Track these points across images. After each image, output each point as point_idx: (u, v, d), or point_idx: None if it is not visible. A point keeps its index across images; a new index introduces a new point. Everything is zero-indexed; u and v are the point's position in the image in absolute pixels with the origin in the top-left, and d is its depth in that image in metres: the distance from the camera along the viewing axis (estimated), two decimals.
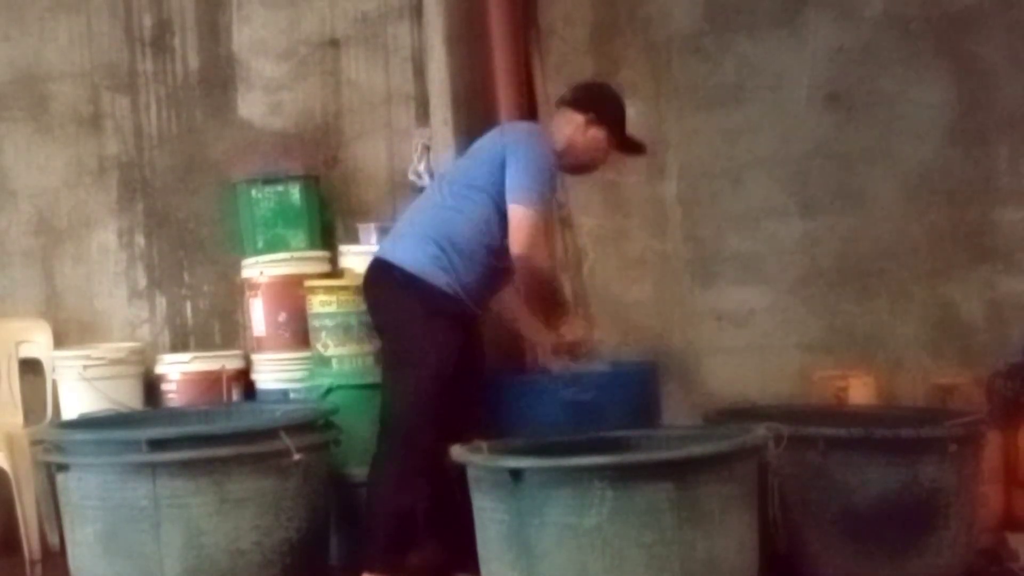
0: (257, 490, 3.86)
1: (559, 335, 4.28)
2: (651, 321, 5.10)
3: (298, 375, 4.80)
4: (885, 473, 3.80)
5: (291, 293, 4.87)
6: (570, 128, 4.18)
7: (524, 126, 4.32)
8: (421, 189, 4.70)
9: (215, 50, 5.41)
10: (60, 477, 3.96)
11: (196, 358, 5.09)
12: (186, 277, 5.44)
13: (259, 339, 5.04)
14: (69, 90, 5.48)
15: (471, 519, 3.53)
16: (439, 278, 3.98)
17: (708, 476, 3.32)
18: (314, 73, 5.33)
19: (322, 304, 4.60)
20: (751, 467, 3.49)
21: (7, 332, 5.34)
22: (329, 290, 4.62)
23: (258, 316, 5.01)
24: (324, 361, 4.61)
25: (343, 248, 5.03)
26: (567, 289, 4.70)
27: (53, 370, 5.19)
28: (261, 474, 3.87)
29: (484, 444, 3.53)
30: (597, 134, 4.19)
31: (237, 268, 5.17)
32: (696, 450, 3.41)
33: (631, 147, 4.31)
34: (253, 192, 5.10)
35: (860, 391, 4.60)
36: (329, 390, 4.49)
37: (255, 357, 5.03)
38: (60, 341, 5.32)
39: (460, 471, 3.54)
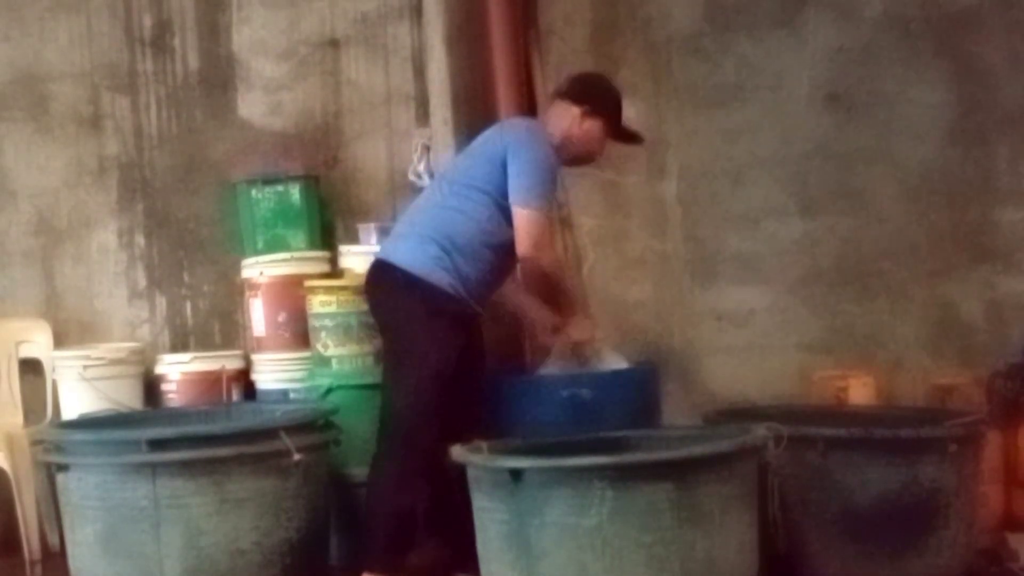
0: (257, 490, 3.86)
1: (566, 335, 4.28)
2: (651, 321, 5.10)
3: (298, 375, 4.80)
4: (885, 473, 3.80)
5: (291, 293, 4.87)
6: (566, 120, 4.18)
7: (523, 124, 4.32)
8: (421, 189, 4.70)
9: (215, 50, 5.41)
10: (60, 477, 3.96)
11: (196, 358, 5.09)
12: (186, 277, 5.44)
13: (259, 339, 5.04)
14: (69, 90, 5.47)
15: (471, 519, 3.53)
16: (441, 278, 3.98)
17: (708, 476, 3.32)
18: (314, 73, 5.33)
19: (322, 304, 4.61)
20: (751, 467, 3.49)
21: (7, 332, 5.34)
22: (329, 290, 4.62)
23: (258, 316, 5.01)
24: (324, 361, 4.61)
25: (343, 248, 5.03)
26: (575, 289, 4.69)
27: (53, 370, 5.19)
28: (261, 474, 3.87)
29: (484, 444, 3.53)
30: (593, 125, 4.19)
31: (237, 268, 5.16)
32: (696, 450, 3.41)
33: (628, 137, 4.31)
34: (253, 192, 5.10)
35: (860, 391, 4.60)
36: (329, 390, 4.49)
37: (255, 357, 5.03)
38: (60, 341, 5.32)
39: (460, 471, 3.55)
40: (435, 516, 4.14)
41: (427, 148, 4.92)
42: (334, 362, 4.58)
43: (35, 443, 4.61)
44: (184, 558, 3.79)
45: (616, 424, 3.88)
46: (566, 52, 5.11)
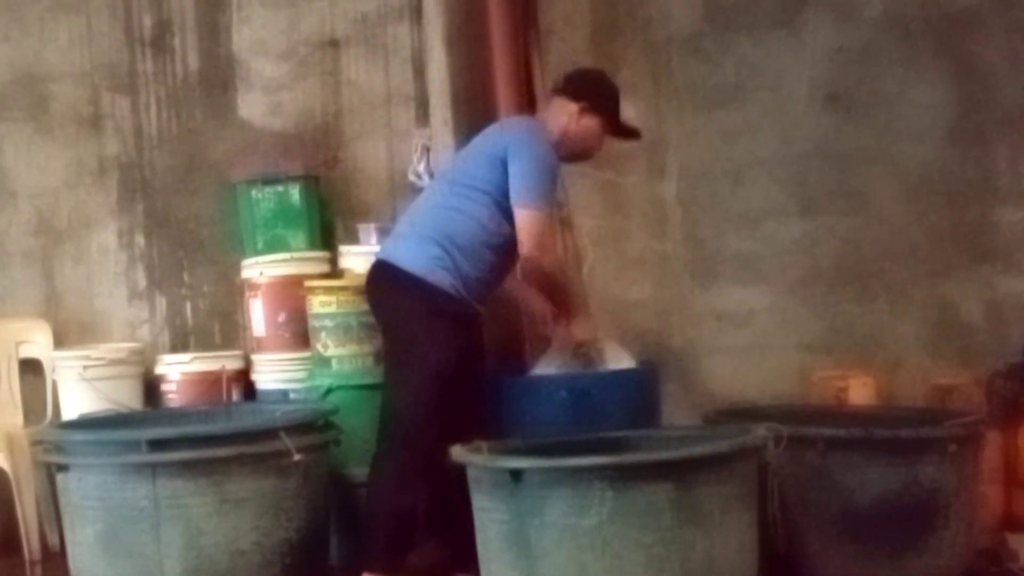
0: (257, 490, 3.86)
1: (569, 334, 4.28)
2: (651, 321, 5.10)
3: (298, 375, 4.80)
4: (885, 473, 3.80)
5: (291, 293, 4.87)
6: (564, 117, 4.18)
7: (524, 123, 4.31)
8: (421, 189, 4.70)
9: (215, 50, 5.41)
10: (60, 477, 3.96)
11: (196, 358, 5.09)
12: (186, 277, 5.44)
13: (259, 339, 5.04)
14: (69, 90, 5.48)
15: (471, 519, 3.53)
16: (442, 278, 3.98)
17: (708, 476, 3.32)
18: (314, 73, 5.33)
19: (322, 304, 4.61)
20: (751, 467, 3.49)
21: (7, 332, 5.34)
22: (329, 290, 4.62)
23: (258, 316, 5.01)
24: (324, 361, 4.61)
25: (343, 248, 5.03)
26: (576, 289, 4.69)
27: (53, 370, 5.19)
28: (261, 474, 3.87)
29: (484, 444, 3.53)
30: (591, 122, 4.19)
31: (237, 268, 5.16)
32: (696, 450, 3.41)
33: (626, 133, 4.31)
34: (253, 192, 5.10)
35: (860, 391, 4.60)
36: (329, 390, 4.49)
37: (255, 357, 5.03)
38: (60, 341, 5.32)
39: (460, 471, 3.54)
40: (435, 516, 4.14)
41: (427, 148, 4.92)
42: (334, 362, 4.58)
43: (35, 443, 4.60)
44: (184, 558, 3.79)
45: (616, 424, 3.88)
46: (566, 52, 5.11)
